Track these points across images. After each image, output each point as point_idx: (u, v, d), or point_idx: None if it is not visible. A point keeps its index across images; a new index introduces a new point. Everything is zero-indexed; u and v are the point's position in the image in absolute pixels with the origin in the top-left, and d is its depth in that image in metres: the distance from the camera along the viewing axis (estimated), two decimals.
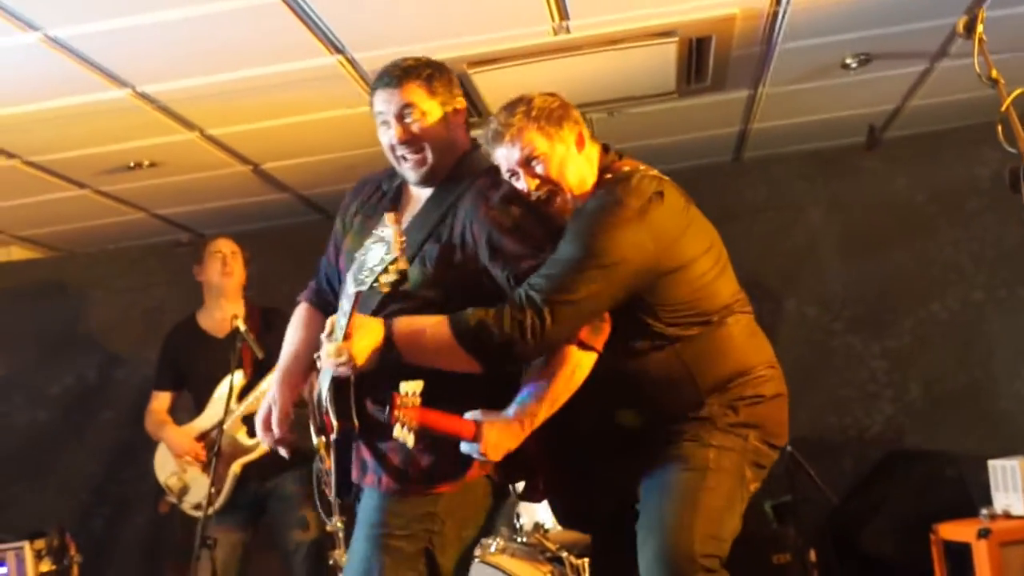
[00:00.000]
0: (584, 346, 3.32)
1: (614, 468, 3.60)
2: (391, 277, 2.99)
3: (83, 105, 5.17)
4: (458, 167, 3.51)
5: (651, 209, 3.37)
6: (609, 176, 3.52)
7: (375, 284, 3.03)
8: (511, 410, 3.29)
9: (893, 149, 7.43)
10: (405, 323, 3.26)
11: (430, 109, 3.46)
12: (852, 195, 7.53)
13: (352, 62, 5.01)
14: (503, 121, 3.53)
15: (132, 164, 6.18)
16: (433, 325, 3.25)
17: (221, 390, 5.87)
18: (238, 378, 5.83)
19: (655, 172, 3.55)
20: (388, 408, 3.15)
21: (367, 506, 3.43)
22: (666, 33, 5.09)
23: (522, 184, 3.50)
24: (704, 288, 3.47)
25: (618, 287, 3.32)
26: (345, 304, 3.16)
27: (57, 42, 4.50)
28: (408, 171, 3.50)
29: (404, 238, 3.00)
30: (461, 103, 3.57)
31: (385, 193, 3.64)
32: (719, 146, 7.31)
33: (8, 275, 7.94)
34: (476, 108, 5.80)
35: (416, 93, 3.45)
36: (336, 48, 4.87)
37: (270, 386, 3.66)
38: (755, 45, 5.40)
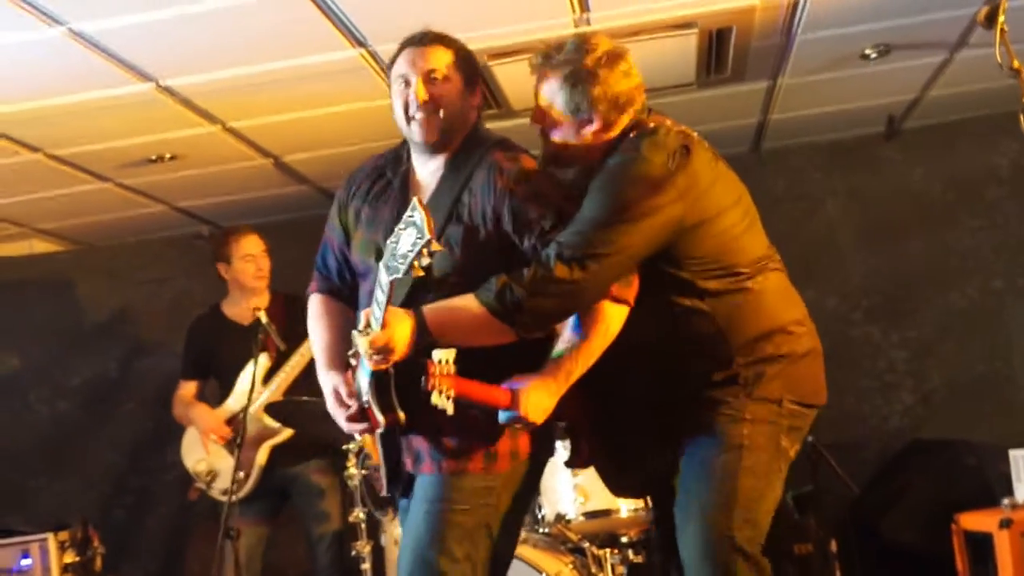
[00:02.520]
0: (616, 300, 3.31)
1: (647, 434, 3.57)
2: (425, 260, 2.96)
3: (106, 99, 5.21)
4: (466, 143, 3.51)
5: (676, 163, 3.33)
6: (635, 133, 3.47)
7: (409, 270, 2.99)
8: (546, 368, 3.29)
9: (912, 139, 7.42)
10: (434, 307, 3.25)
11: (454, 78, 3.47)
12: (871, 185, 7.52)
13: (374, 55, 5.04)
14: (551, 62, 3.47)
15: (154, 157, 6.22)
16: (462, 302, 3.25)
17: (247, 374, 5.83)
18: (263, 361, 5.85)
19: (682, 128, 3.51)
20: (424, 376, 3.10)
21: (423, 484, 3.39)
22: (686, 25, 5.12)
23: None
24: (732, 242, 3.43)
25: (644, 242, 3.29)
26: (380, 295, 3.13)
27: (82, 36, 4.54)
28: (416, 132, 3.45)
29: (433, 219, 2.97)
30: (480, 87, 3.59)
31: (391, 181, 3.60)
32: (738, 137, 7.30)
33: (30, 268, 7.98)
34: (496, 100, 5.82)
35: (446, 59, 3.46)
36: (358, 41, 4.89)
37: (321, 380, 3.58)
38: (775, 36, 5.41)
